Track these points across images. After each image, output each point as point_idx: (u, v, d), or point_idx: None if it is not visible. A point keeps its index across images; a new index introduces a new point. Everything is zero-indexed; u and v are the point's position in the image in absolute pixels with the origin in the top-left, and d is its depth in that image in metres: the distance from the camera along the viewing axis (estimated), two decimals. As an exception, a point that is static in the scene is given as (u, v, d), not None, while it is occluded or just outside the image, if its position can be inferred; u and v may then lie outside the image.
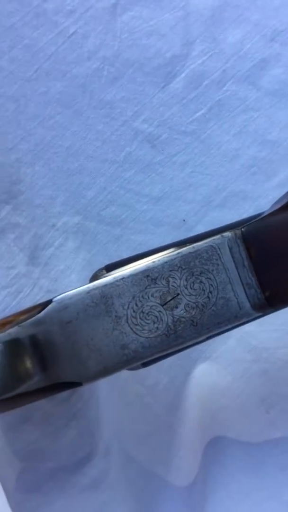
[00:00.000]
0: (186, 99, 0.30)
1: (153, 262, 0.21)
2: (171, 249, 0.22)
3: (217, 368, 0.31)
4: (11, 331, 0.20)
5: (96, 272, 0.24)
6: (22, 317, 0.21)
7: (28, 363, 0.19)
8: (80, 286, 0.21)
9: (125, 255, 0.29)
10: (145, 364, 0.22)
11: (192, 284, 0.21)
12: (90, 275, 0.30)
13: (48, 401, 0.26)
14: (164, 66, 0.30)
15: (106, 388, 0.28)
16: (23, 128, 0.28)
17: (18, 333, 0.20)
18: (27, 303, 0.26)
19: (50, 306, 0.21)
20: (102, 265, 0.29)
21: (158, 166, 0.30)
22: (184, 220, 0.31)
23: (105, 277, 0.22)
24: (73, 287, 0.26)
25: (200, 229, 0.31)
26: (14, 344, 0.19)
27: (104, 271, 0.24)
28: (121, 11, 0.29)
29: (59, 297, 0.21)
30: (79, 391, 0.26)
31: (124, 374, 0.29)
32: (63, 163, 0.29)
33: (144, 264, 0.21)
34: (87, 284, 0.21)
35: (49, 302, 0.21)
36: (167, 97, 0.30)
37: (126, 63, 0.30)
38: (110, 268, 0.23)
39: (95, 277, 0.23)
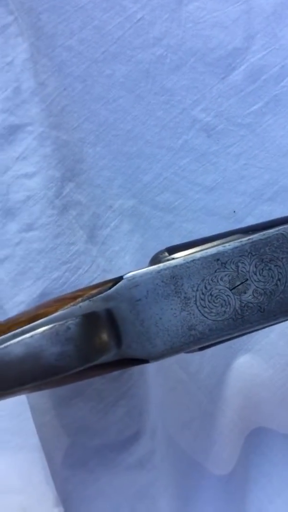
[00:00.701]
0: (244, 91, 0.31)
1: (224, 246, 0.21)
2: (238, 235, 0.22)
3: (259, 360, 0.31)
4: (82, 305, 0.20)
5: (157, 253, 0.24)
6: (93, 292, 0.21)
7: (105, 336, 0.20)
8: (144, 267, 0.21)
9: (176, 241, 0.29)
10: (202, 348, 0.23)
11: (261, 271, 0.21)
12: (143, 258, 0.30)
13: (99, 378, 0.26)
14: (225, 57, 0.30)
15: (153, 371, 0.29)
16: (88, 108, 0.28)
17: (91, 307, 0.20)
18: (85, 280, 0.26)
19: (121, 283, 0.21)
20: (155, 250, 0.29)
21: (213, 156, 0.31)
22: (234, 212, 0.31)
23: (167, 260, 0.22)
24: (127, 269, 0.26)
25: (250, 221, 0.31)
26: (92, 317, 0.20)
27: (166, 253, 0.24)
28: (187, 1, 0.30)
29: (130, 274, 0.21)
30: (130, 371, 0.27)
31: (169, 359, 0.29)
32: (122, 146, 0.29)
33: (214, 248, 0.21)
34: (148, 266, 0.21)
35: (120, 278, 0.21)
36: (226, 88, 0.31)
37: (189, 52, 0.30)
38: (171, 250, 0.23)
39: (156, 259, 0.23)
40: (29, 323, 0.20)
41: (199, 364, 0.31)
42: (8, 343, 0.18)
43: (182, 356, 0.29)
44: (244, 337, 0.25)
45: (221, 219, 0.31)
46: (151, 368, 0.28)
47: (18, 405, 0.33)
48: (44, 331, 0.19)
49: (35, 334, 0.18)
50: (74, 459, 0.26)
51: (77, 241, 0.26)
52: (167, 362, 0.30)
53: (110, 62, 0.29)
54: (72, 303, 0.21)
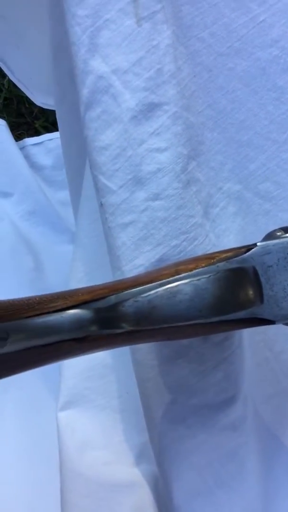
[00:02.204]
0: None
1: None
2: None
3: None
4: (220, 265, 0.23)
5: (273, 231, 0.26)
6: (228, 255, 0.23)
7: (250, 292, 0.22)
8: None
9: (271, 229, 0.32)
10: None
11: None
12: (243, 240, 0.32)
13: (202, 342, 0.29)
14: None
15: (246, 345, 0.31)
16: (211, 96, 0.31)
17: (227, 267, 0.23)
18: (200, 251, 0.28)
19: (255, 249, 0.23)
20: (252, 235, 0.32)
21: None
22: None
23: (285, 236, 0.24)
24: (231, 246, 0.29)
25: None
26: (239, 272, 0.22)
27: (282, 232, 0.26)
28: (304, 9, 0.32)
29: (263, 243, 0.23)
30: (232, 339, 0.29)
31: (257, 337, 0.31)
32: (235, 134, 0.31)
33: None
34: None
35: (254, 245, 0.23)
36: None
37: (301, 55, 0.32)
38: (286, 230, 0.26)
39: (271, 236, 0.25)
40: (171, 276, 0.23)
41: (283, 345, 0.33)
42: (174, 284, 0.20)
43: (268, 335, 0.31)
44: None
45: None
46: (245, 341, 0.30)
47: (102, 367, 0.35)
48: (200, 279, 0.21)
49: (201, 278, 0.20)
50: (173, 415, 0.28)
51: (195, 215, 0.29)
52: (256, 339, 0.32)
53: (233, 56, 0.31)
54: (209, 263, 0.23)
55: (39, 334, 0.20)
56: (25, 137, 0.87)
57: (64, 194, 0.86)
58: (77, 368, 0.35)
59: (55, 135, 0.85)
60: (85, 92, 0.28)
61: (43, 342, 0.20)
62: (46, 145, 0.84)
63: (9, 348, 0.19)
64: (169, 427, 0.28)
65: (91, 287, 0.23)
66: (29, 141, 0.85)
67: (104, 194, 0.29)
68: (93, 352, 0.23)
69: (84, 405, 0.35)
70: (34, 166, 0.84)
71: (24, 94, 0.84)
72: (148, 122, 0.28)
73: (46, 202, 0.82)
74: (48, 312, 0.21)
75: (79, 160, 0.42)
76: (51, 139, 0.84)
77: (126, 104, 0.28)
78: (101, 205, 0.30)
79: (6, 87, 0.85)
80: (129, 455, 0.33)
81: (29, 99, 0.85)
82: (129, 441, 0.34)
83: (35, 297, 0.21)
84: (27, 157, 0.83)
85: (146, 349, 0.29)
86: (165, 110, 0.28)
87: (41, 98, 0.67)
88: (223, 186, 0.31)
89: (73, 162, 0.44)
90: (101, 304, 0.22)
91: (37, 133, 0.88)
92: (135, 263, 0.28)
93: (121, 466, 0.32)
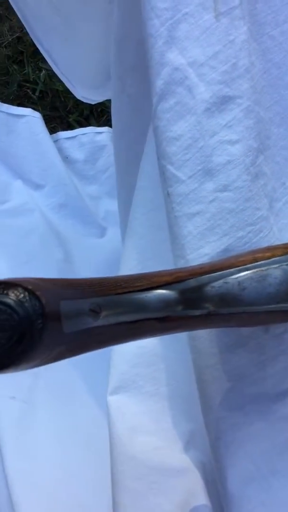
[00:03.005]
0: None
1: None
2: None
3: None
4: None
5: None
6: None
7: None
8: None
9: None
10: None
11: None
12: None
13: (263, 333, 0.29)
14: None
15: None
16: (278, 93, 0.31)
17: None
18: (264, 243, 0.29)
19: None
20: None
21: None
22: None
23: None
24: None
25: None
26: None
27: None
28: None
29: None
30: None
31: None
32: (299, 132, 0.32)
33: None
34: None
35: None
36: None
37: None
38: None
39: None
40: (250, 263, 0.23)
41: None
42: (264, 267, 0.21)
43: None
44: None
45: None
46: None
47: (152, 355, 0.36)
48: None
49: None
50: (231, 402, 0.29)
51: (262, 207, 0.29)
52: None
53: (301, 55, 0.32)
54: (285, 252, 0.24)
55: (127, 310, 0.21)
56: (58, 131, 0.88)
57: (94, 188, 0.87)
58: (127, 355, 0.36)
59: (89, 129, 0.86)
60: (159, 83, 0.29)
61: (130, 318, 0.21)
62: (80, 139, 0.85)
63: (101, 321, 0.20)
64: (226, 414, 0.29)
65: (170, 270, 0.24)
66: (63, 134, 0.86)
67: (172, 184, 0.30)
68: (168, 334, 0.24)
69: (133, 391, 0.35)
70: (66, 159, 0.85)
71: (60, 88, 0.86)
72: (221, 115, 0.28)
73: (77, 196, 0.83)
74: (134, 291, 0.22)
75: (132, 151, 0.43)
76: (85, 133, 0.85)
77: (201, 96, 0.28)
78: (168, 194, 0.30)
79: (42, 81, 0.86)
80: (178, 441, 0.34)
81: (64, 93, 0.86)
82: (177, 428, 0.34)
83: (121, 276, 0.22)
84: (60, 150, 0.85)
85: (206, 337, 0.29)
86: (238, 103, 0.29)
87: (82, 92, 0.68)
88: (286, 181, 0.32)
89: (124, 153, 0.44)
90: (182, 286, 0.22)
91: (70, 127, 0.89)
92: (200, 252, 0.29)
93: (171, 452, 0.33)
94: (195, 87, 0.28)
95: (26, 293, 0.17)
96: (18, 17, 0.92)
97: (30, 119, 0.82)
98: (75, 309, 0.19)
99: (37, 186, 0.83)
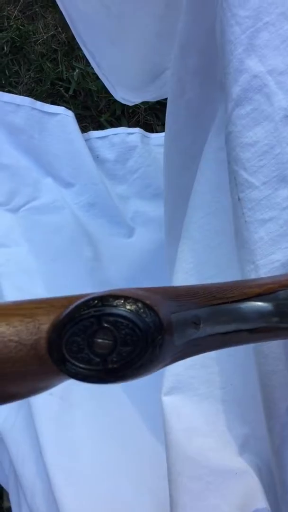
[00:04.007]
0: None
1: None
2: None
3: None
4: None
5: None
6: None
7: None
8: None
9: None
10: None
11: None
12: None
13: None
14: None
15: None
16: None
17: None
18: None
19: None
20: None
21: None
22: None
23: None
24: None
25: None
26: None
27: None
28: None
29: None
30: None
31: None
32: None
33: None
34: None
35: None
36: None
37: None
38: None
39: None
40: None
41: None
42: None
43: None
44: None
45: None
46: None
47: (206, 358, 0.36)
48: None
49: None
50: (298, 408, 0.29)
51: None
52: None
53: None
54: None
55: (223, 321, 0.21)
56: (89, 130, 0.88)
57: (123, 188, 0.87)
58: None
59: (120, 130, 0.86)
60: (236, 89, 0.29)
61: (225, 329, 0.21)
62: (111, 139, 0.86)
63: (200, 333, 0.21)
64: (293, 420, 0.29)
65: (259, 280, 0.24)
66: (94, 134, 0.86)
67: (244, 189, 0.30)
68: (254, 343, 0.24)
69: (188, 392, 0.36)
70: (97, 158, 0.86)
71: (93, 87, 0.86)
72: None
73: (106, 195, 0.84)
74: (228, 302, 0.22)
75: (186, 155, 0.43)
76: (116, 133, 0.86)
77: (279, 103, 0.29)
78: (239, 199, 0.31)
79: (75, 80, 0.87)
80: (233, 444, 0.34)
81: (97, 92, 0.87)
82: (232, 431, 0.35)
83: (211, 286, 0.22)
84: (91, 149, 0.85)
85: (274, 343, 0.29)
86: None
87: (121, 93, 0.68)
88: None
89: (176, 156, 0.45)
90: (273, 297, 0.22)
91: (100, 126, 0.90)
92: (271, 258, 0.29)
93: (226, 454, 0.33)
94: (273, 94, 0.29)
95: (146, 308, 0.18)
96: (53, 15, 0.93)
97: (63, 117, 0.83)
98: (183, 322, 0.19)
99: (67, 184, 0.84)
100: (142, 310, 0.18)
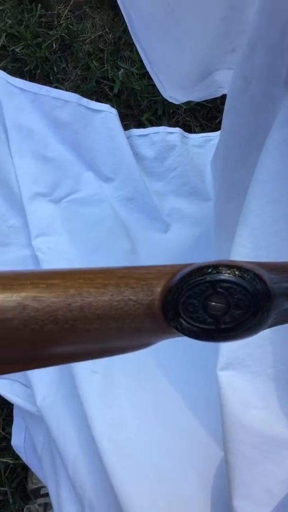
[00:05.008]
0: None
1: None
2: None
3: None
4: None
5: None
6: None
7: None
8: None
9: None
10: None
11: None
12: None
13: None
14: None
15: None
16: None
17: None
18: None
19: None
20: None
21: None
22: None
23: None
24: None
25: None
26: None
27: None
28: None
29: None
30: None
31: None
32: None
33: None
34: None
35: None
36: None
37: None
38: None
39: None
40: None
41: None
42: None
43: None
44: None
45: None
46: None
47: (260, 338, 0.38)
48: None
49: None
50: None
51: None
52: None
53: None
54: None
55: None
56: (130, 128, 0.91)
57: (161, 185, 0.90)
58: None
59: (161, 129, 0.89)
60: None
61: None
62: (151, 138, 0.88)
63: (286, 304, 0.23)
64: None
65: None
66: (136, 131, 0.89)
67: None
68: None
69: (242, 369, 0.38)
70: (136, 155, 0.88)
71: (136, 87, 0.89)
72: None
73: (145, 191, 0.86)
74: None
75: (245, 149, 0.46)
76: (157, 132, 0.88)
77: None
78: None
79: (120, 79, 0.90)
80: (285, 419, 0.36)
81: (140, 92, 0.90)
82: (283, 409, 0.37)
83: None
84: (131, 146, 0.88)
85: None
86: None
87: (170, 91, 0.71)
88: None
89: (235, 150, 0.47)
90: None
91: (140, 125, 0.93)
92: None
93: (280, 427, 0.35)
94: None
95: (256, 277, 0.20)
96: (101, 16, 0.96)
97: (107, 114, 0.86)
98: (281, 292, 0.22)
99: (107, 179, 0.87)
100: (252, 279, 0.20)
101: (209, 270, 0.20)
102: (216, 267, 0.20)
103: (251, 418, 0.35)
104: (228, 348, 0.39)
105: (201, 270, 0.20)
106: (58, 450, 0.56)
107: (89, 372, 0.55)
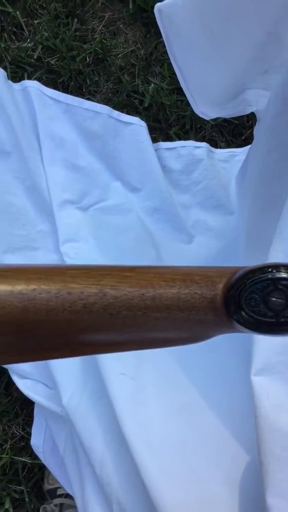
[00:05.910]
0: None
1: None
2: None
3: None
4: None
5: None
6: None
7: None
8: None
9: None
10: None
11: None
12: None
13: None
14: None
15: None
16: None
17: None
18: None
19: None
20: None
21: None
22: None
23: None
24: None
25: None
26: None
27: None
28: None
29: None
30: None
31: None
32: None
33: None
34: None
35: None
36: None
37: None
38: None
39: None
40: None
41: None
42: None
43: None
44: None
45: None
46: None
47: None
48: None
49: None
50: None
51: None
52: None
53: None
54: None
55: None
56: (158, 141, 0.94)
57: (187, 198, 0.92)
58: (270, 342, 0.41)
59: (189, 143, 0.92)
60: None
61: None
62: (179, 151, 0.91)
63: None
64: None
65: None
66: (163, 145, 0.92)
67: None
68: None
69: (275, 375, 0.40)
70: (164, 168, 0.91)
71: (165, 102, 0.92)
72: None
73: (171, 202, 0.89)
74: None
75: (281, 167, 0.48)
76: (184, 146, 0.91)
77: None
78: None
79: (150, 93, 0.93)
80: None
81: (169, 107, 0.93)
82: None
83: None
84: (159, 158, 0.91)
85: None
86: None
87: (202, 107, 0.73)
88: None
89: (271, 168, 0.49)
90: None
91: (168, 139, 0.95)
92: None
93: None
94: None
95: None
96: (134, 33, 1.00)
97: (137, 127, 0.89)
98: None
99: (134, 189, 0.90)
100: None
101: (270, 269, 0.22)
102: (276, 267, 0.22)
103: (284, 421, 0.37)
104: (262, 355, 0.41)
105: (262, 269, 0.23)
106: (84, 449, 0.58)
107: (117, 374, 0.57)
